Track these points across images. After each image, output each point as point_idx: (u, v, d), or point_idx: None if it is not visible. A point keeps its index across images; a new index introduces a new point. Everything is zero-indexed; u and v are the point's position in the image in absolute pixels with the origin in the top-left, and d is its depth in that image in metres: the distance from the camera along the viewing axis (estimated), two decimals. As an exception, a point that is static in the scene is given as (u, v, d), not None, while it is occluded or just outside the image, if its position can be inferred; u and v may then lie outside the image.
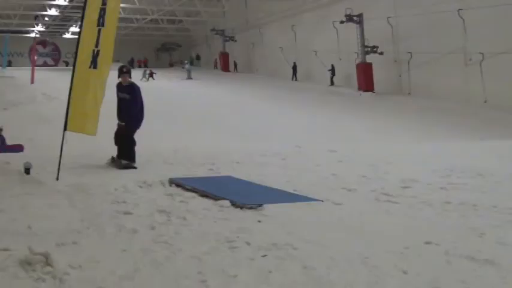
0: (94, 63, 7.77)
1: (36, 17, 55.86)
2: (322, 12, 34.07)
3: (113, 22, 8.07)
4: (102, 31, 7.81)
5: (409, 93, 27.58)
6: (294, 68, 37.50)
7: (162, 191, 6.85)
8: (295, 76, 37.46)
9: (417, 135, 16.30)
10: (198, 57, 58.48)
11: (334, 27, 31.00)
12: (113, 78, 8.42)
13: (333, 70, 33.12)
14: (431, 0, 24.99)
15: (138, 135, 9.05)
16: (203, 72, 44.46)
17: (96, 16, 7.80)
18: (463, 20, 23.03)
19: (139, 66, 53.98)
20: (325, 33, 33.41)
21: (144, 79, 37.77)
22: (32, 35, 53.10)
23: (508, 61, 21.47)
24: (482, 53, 23.11)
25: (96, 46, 7.78)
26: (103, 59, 7.83)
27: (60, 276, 3.58)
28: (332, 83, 33.01)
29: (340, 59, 32.00)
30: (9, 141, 13.09)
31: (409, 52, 27.50)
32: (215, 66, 51.90)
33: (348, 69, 31.97)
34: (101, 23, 7.80)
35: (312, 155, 10.74)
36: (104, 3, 7.83)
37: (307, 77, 36.32)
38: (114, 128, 9.11)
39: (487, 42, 22.60)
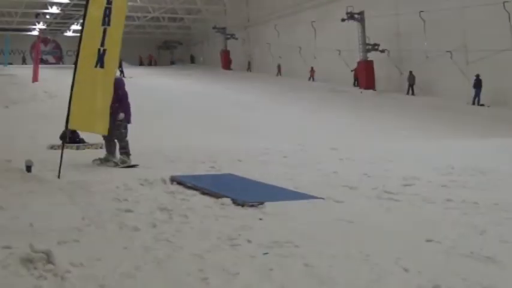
0: (101, 63, 7.78)
1: (37, 15, 55.90)
2: (324, 10, 34.06)
3: (120, 21, 8.06)
4: (107, 30, 7.81)
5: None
6: (279, 65, 39.49)
7: (163, 188, 6.85)
8: (280, 72, 39.40)
9: (418, 133, 16.28)
10: (192, 58, 59.02)
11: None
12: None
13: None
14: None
15: (139, 135, 8.97)
16: (199, 72, 44.34)
17: (100, 15, 7.79)
18: (509, 13, 22.12)
19: (150, 63, 57.26)
20: (326, 31, 33.51)
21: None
22: (34, 33, 53.10)
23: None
24: (450, 51, 24.56)
25: (102, 45, 7.78)
26: (110, 58, 7.84)
27: (61, 274, 3.58)
28: (312, 79, 35.17)
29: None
30: (9, 140, 13.04)
31: (409, 50, 27.58)
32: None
33: (332, 66, 32.85)
34: (106, 22, 7.80)
35: (313, 153, 10.74)
36: (109, 2, 7.82)
37: (292, 72, 37.48)
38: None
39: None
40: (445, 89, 25.31)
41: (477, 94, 23.39)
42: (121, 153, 8.92)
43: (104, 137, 9.02)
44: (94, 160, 8.93)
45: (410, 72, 27.39)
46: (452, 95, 24.52)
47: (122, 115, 8.88)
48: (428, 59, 25.84)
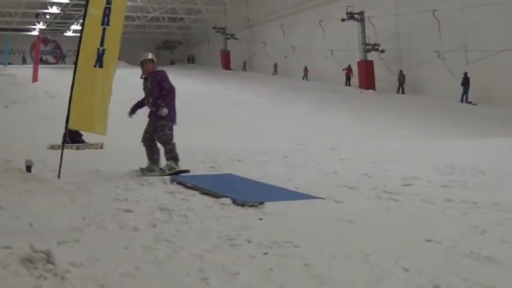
0: (100, 62, 7.77)
1: (37, 15, 55.92)
2: (324, 10, 34.07)
3: (119, 21, 8.06)
4: (107, 30, 7.81)
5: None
6: (275, 64, 40.83)
7: (163, 188, 6.85)
8: (276, 71, 40.43)
9: (418, 132, 16.28)
10: (189, 58, 59.17)
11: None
12: (121, 77, 8.39)
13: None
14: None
15: (139, 135, 8.87)
16: (199, 72, 44.31)
17: (100, 14, 7.79)
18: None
19: None
20: (326, 31, 33.53)
21: None
22: (34, 33, 53.10)
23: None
24: (437, 51, 25.28)
25: (101, 45, 7.78)
26: (109, 58, 7.83)
27: (61, 274, 3.58)
28: (306, 78, 36.16)
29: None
30: (9, 140, 13.04)
31: (409, 50, 27.61)
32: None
33: (326, 66, 33.40)
34: (105, 22, 7.80)
35: (313, 152, 10.74)
36: (108, 2, 7.83)
37: (288, 72, 38.14)
38: (120, 127, 8.69)
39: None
40: (437, 89, 25.61)
41: (465, 92, 24.11)
42: (167, 159, 7.74)
43: (144, 143, 7.91)
44: (135, 171, 7.82)
45: (401, 71, 27.93)
46: (444, 94, 24.83)
47: (165, 111, 7.61)
48: (426, 58, 25.94)
